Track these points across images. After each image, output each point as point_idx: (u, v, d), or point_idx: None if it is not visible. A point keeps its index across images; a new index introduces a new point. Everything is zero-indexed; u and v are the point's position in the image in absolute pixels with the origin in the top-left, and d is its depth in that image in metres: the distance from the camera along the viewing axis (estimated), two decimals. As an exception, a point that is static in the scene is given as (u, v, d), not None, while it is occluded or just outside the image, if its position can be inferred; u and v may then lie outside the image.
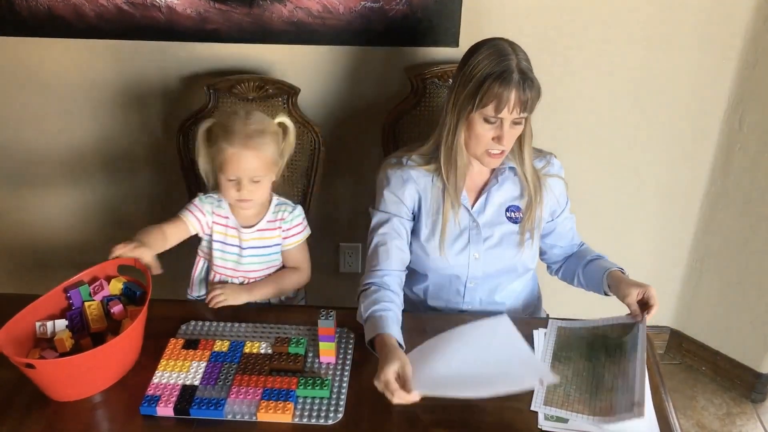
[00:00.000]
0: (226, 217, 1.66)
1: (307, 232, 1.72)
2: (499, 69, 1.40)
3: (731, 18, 1.93)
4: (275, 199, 1.68)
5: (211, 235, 1.66)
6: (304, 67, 2.01)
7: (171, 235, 1.59)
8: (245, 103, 1.94)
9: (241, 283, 1.68)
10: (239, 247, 1.65)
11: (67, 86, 2.06)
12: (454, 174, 1.53)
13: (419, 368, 1.27)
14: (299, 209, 1.69)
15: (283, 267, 1.73)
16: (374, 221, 1.59)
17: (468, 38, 1.92)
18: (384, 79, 2.03)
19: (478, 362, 1.28)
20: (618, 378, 1.32)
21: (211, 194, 1.66)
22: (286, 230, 1.67)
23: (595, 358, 1.41)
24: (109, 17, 1.92)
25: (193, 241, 2.14)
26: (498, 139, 1.45)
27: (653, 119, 2.08)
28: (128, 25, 1.93)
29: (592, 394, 1.32)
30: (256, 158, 1.54)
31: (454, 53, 1.95)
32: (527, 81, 1.40)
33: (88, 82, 2.05)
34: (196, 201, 1.65)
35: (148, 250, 1.46)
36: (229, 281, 1.68)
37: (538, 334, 1.49)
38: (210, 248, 1.68)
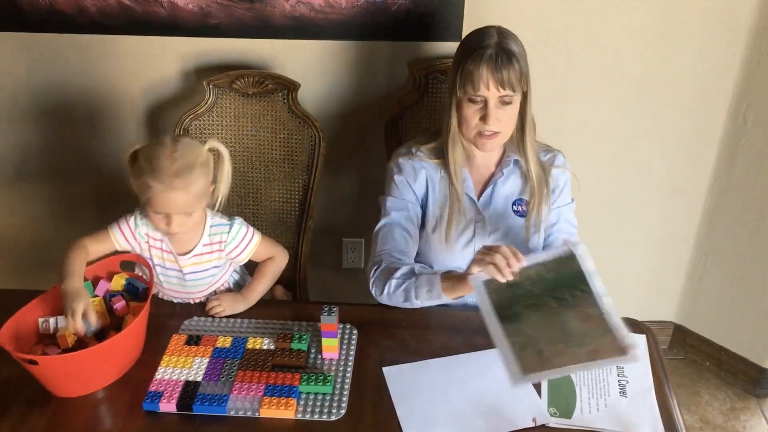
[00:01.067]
0: (161, 241, 1.57)
1: (258, 237, 1.61)
2: (475, 47, 1.44)
3: (736, 13, 1.91)
4: (209, 220, 1.57)
5: (150, 258, 1.57)
6: (306, 62, 2.00)
7: (93, 254, 1.52)
8: (238, 101, 1.93)
9: (232, 291, 1.63)
10: (180, 271, 1.57)
11: (68, 81, 2.06)
12: (453, 160, 1.55)
13: (412, 401, 1.31)
14: (236, 224, 1.58)
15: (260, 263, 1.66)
16: (386, 206, 1.60)
17: (471, 32, 1.91)
18: (386, 74, 2.02)
19: (473, 397, 1.32)
20: (588, 322, 1.26)
21: (140, 214, 1.55)
22: (232, 250, 1.58)
23: (545, 305, 1.30)
24: (110, 12, 1.92)
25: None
26: (484, 118, 1.46)
27: (657, 114, 2.07)
28: (129, 20, 1.93)
29: (567, 343, 1.26)
30: (184, 195, 1.43)
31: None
32: (502, 56, 1.42)
33: (88, 76, 2.05)
34: (130, 221, 1.54)
35: (82, 304, 1.35)
36: (174, 300, 1.62)
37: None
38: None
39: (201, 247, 1.57)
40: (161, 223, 1.48)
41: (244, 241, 1.59)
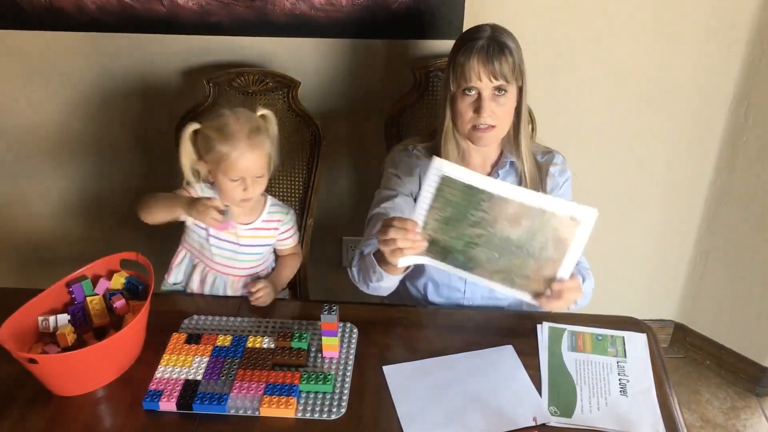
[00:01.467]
0: None
1: (298, 236, 1.78)
2: (467, 41, 1.45)
3: (737, 10, 1.91)
4: (269, 199, 1.70)
5: (207, 228, 1.64)
6: (306, 60, 2.00)
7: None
8: (239, 99, 1.93)
9: (264, 277, 1.69)
10: (236, 243, 1.65)
11: (67, 79, 2.05)
12: (446, 157, 1.51)
13: (413, 400, 1.31)
14: (292, 212, 1.74)
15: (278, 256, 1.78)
16: (379, 197, 1.61)
17: (471, 31, 1.91)
18: (386, 72, 2.02)
19: (474, 396, 1.32)
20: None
21: (204, 186, 1.63)
22: (283, 232, 1.71)
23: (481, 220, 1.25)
24: (110, 9, 1.91)
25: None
26: (478, 110, 1.44)
27: (658, 112, 2.07)
28: (129, 18, 1.92)
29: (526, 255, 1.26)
30: (260, 156, 1.54)
31: (458, 46, 1.93)
32: (494, 47, 1.42)
33: (89, 75, 2.04)
34: (196, 187, 1.62)
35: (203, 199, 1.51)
36: (213, 278, 1.68)
37: (542, 329, 1.49)
38: (201, 241, 1.66)
39: (260, 222, 1.67)
40: (238, 190, 1.56)
41: (293, 228, 1.74)
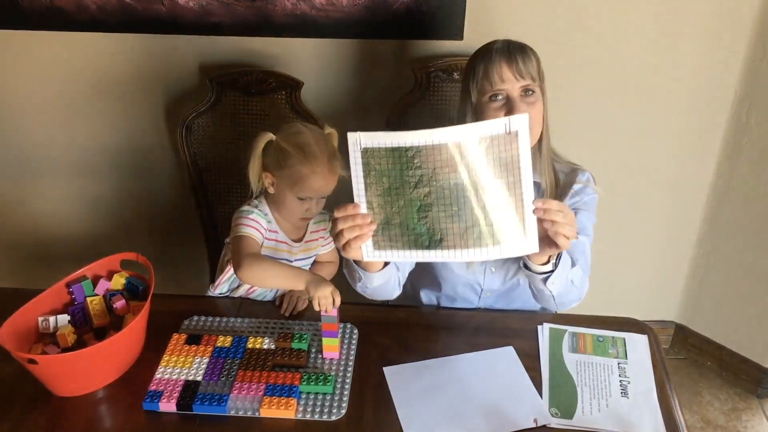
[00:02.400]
0: (275, 231, 1.62)
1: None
2: (484, 50, 1.41)
3: (739, 11, 1.91)
4: None
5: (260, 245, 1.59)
6: (308, 61, 2.00)
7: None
8: (241, 99, 1.93)
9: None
10: (288, 260, 1.63)
11: (68, 79, 2.05)
12: None
13: (413, 401, 1.30)
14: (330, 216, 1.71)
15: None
16: None
17: (473, 31, 1.91)
18: (388, 72, 2.02)
19: (474, 397, 1.31)
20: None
21: (254, 209, 1.59)
22: (329, 238, 1.70)
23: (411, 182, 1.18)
24: (110, 10, 1.91)
25: (196, 237, 2.14)
26: (511, 110, 1.36)
27: (659, 113, 2.07)
28: (130, 18, 1.92)
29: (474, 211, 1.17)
30: (335, 179, 1.53)
31: (459, 46, 1.93)
32: (513, 46, 1.38)
33: (90, 75, 2.04)
34: (255, 217, 1.56)
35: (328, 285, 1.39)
36: (263, 293, 1.67)
37: (542, 330, 1.48)
38: None
39: (309, 234, 1.67)
40: (302, 208, 1.55)
41: None
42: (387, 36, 1.95)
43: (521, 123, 1.13)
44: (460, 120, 1.46)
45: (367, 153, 1.15)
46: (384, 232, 1.20)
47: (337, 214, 1.21)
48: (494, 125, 1.13)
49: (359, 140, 1.15)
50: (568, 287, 1.37)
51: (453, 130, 1.13)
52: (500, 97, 1.38)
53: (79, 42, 1.98)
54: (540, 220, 1.19)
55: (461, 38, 1.93)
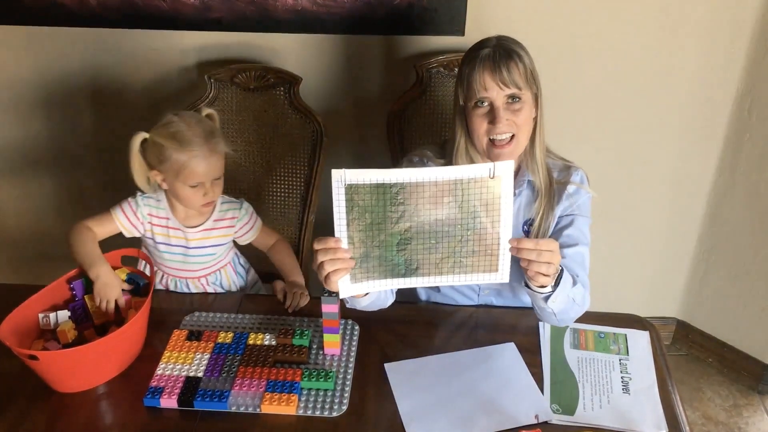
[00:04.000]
0: (167, 218, 1.60)
1: (260, 222, 1.71)
2: (473, 52, 1.39)
3: (741, 7, 1.90)
4: (219, 197, 1.62)
5: (152, 238, 1.61)
6: (308, 56, 1.99)
7: (99, 236, 1.55)
8: (240, 95, 1.92)
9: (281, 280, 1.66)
10: (185, 247, 1.62)
11: (68, 74, 2.05)
12: None
13: (414, 398, 1.30)
14: (245, 203, 1.68)
15: (273, 248, 1.73)
16: None
17: (474, 27, 1.90)
18: (388, 68, 2.01)
19: (476, 394, 1.31)
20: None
21: (148, 195, 1.60)
22: (242, 226, 1.67)
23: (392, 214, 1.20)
24: (111, 5, 1.91)
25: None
26: (493, 121, 1.35)
27: (661, 110, 2.06)
28: (130, 14, 1.92)
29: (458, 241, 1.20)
30: (218, 157, 1.52)
31: (460, 42, 1.93)
32: (500, 53, 1.34)
33: (90, 70, 2.04)
34: (132, 202, 1.59)
35: (115, 290, 1.44)
36: (174, 281, 1.67)
37: (544, 326, 1.48)
38: (152, 249, 1.64)
39: (211, 222, 1.63)
40: (197, 195, 1.53)
41: (252, 218, 1.68)
42: (388, 32, 1.95)
43: (506, 169, 1.16)
44: (452, 122, 1.47)
45: (351, 189, 1.17)
46: (362, 265, 1.22)
47: (317, 247, 1.23)
48: (479, 169, 1.16)
49: (344, 177, 1.17)
50: (570, 305, 1.37)
51: (438, 170, 1.16)
52: (485, 104, 1.38)
53: (79, 37, 1.98)
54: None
55: (462, 34, 1.92)
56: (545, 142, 1.48)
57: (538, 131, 1.44)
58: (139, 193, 1.60)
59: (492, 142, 1.39)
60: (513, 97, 1.36)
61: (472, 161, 1.45)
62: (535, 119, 1.42)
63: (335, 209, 1.18)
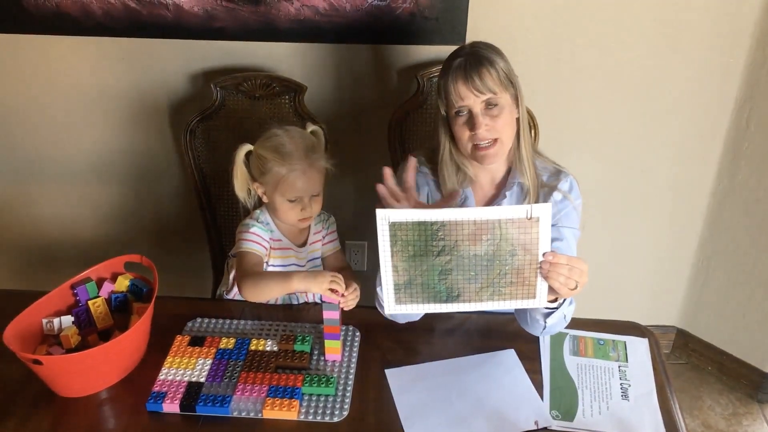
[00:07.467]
0: (279, 240, 1.64)
1: (339, 242, 1.74)
2: (447, 62, 1.44)
3: (739, 16, 1.91)
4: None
5: (267, 262, 1.61)
6: (311, 65, 2.01)
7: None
8: (245, 103, 1.94)
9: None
10: (298, 265, 1.65)
11: (73, 84, 2.07)
12: (444, 183, 1.51)
13: (415, 403, 1.31)
14: (332, 218, 1.74)
15: None
16: None
17: (475, 36, 1.92)
18: (391, 77, 2.03)
19: (476, 400, 1.33)
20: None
21: (256, 221, 1.61)
22: (326, 236, 1.71)
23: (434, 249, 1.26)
24: (116, 15, 1.93)
25: (200, 240, 2.15)
26: (473, 128, 1.40)
27: (660, 117, 2.08)
28: (135, 23, 1.94)
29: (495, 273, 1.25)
30: (317, 172, 1.55)
31: (461, 51, 1.94)
32: (471, 62, 1.39)
33: (95, 79, 2.06)
34: (255, 230, 1.58)
35: (322, 274, 1.41)
36: (296, 301, 1.68)
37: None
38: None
39: (313, 235, 1.68)
40: (295, 210, 1.56)
41: (335, 233, 1.72)
42: (389, 41, 1.96)
43: (544, 211, 1.19)
44: (436, 131, 1.51)
45: (394, 226, 1.22)
46: (406, 290, 1.27)
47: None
48: (516, 210, 1.20)
49: (388, 217, 1.22)
50: (561, 320, 1.40)
51: (477, 211, 1.21)
52: (464, 112, 1.42)
53: (85, 46, 2.00)
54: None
55: (463, 43, 1.94)
56: (533, 143, 1.50)
57: (523, 130, 1.47)
58: (251, 223, 1.59)
59: (476, 147, 1.44)
60: (489, 103, 1.40)
61: (457, 167, 1.51)
62: (518, 119, 1.46)
63: (380, 242, 1.24)
